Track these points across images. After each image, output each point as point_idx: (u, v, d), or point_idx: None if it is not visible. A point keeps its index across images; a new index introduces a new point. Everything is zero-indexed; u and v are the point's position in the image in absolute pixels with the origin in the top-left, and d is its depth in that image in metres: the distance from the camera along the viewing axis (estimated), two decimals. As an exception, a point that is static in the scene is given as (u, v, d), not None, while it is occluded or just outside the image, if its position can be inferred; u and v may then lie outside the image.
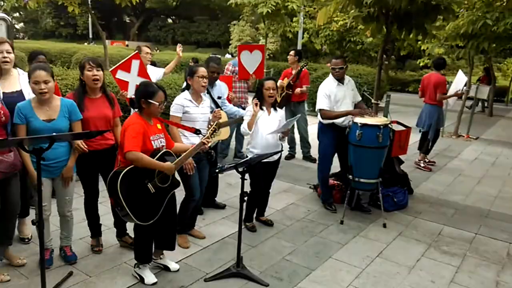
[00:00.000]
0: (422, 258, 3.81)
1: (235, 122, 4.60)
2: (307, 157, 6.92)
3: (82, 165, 3.37)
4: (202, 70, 3.67)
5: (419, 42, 12.01)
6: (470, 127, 9.79)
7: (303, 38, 17.01)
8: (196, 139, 3.66)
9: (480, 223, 4.66)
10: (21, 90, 3.36)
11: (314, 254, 3.79)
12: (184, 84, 3.95)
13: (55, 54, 19.09)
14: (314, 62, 20.61)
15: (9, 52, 3.31)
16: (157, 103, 3.02)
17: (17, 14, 42.31)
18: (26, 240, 3.65)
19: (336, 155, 4.91)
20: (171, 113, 3.73)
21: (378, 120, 4.46)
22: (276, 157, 4.15)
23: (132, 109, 4.83)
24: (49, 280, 2.93)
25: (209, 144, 3.23)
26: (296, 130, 7.02)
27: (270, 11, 12.07)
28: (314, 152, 6.71)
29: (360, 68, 13.33)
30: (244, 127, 3.99)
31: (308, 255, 3.77)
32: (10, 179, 3.06)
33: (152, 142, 3.04)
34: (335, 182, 5.14)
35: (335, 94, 4.61)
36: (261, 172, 4.05)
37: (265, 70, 11.29)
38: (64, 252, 3.41)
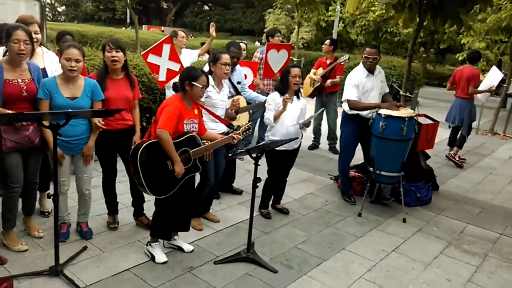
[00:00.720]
0: (440, 256, 3.68)
1: (255, 107, 4.57)
2: (332, 148, 6.81)
3: (100, 144, 3.43)
4: (226, 57, 3.66)
5: (460, 36, 11.51)
6: (508, 125, 9.33)
7: (338, 27, 16.65)
8: (213, 125, 3.68)
9: (507, 224, 4.45)
10: (44, 68, 3.46)
11: (328, 244, 3.73)
12: (206, 68, 3.94)
13: (92, 37, 19.57)
14: (349, 53, 20.23)
15: (37, 33, 3.41)
16: (200, 86, 3.10)
17: (60, -2, 43.67)
18: (46, 213, 3.79)
19: (360, 147, 4.80)
20: None
21: (403, 112, 4.30)
22: (295, 145, 4.09)
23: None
24: (64, 253, 3.04)
25: (237, 140, 3.30)
26: (323, 121, 6.89)
27: (303, -2, 11.91)
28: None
29: (395, 60, 12.95)
30: (269, 118, 3.94)
31: (321, 245, 3.72)
32: (30, 153, 3.16)
33: (185, 125, 3.12)
34: (356, 174, 5.03)
35: (363, 85, 4.48)
36: (278, 160, 4.02)
37: (295, 59, 11.20)
38: (80, 227, 3.51)
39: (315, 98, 6.74)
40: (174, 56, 4.63)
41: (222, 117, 3.73)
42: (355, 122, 4.60)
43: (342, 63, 6.49)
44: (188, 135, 3.12)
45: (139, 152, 2.90)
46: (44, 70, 3.45)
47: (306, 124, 4.05)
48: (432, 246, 3.86)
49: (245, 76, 5.16)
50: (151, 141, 2.99)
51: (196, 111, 3.27)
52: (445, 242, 3.95)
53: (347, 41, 21.19)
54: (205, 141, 3.29)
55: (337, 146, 6.58)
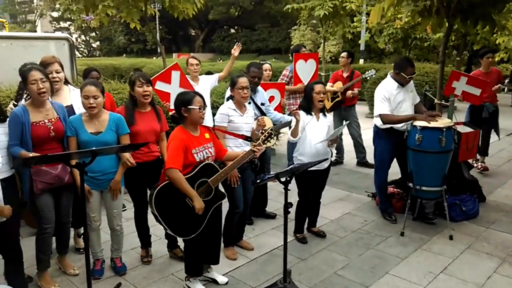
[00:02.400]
0: (494, 275, 3.39)
1: (280, 128, 4.46)
2: (363, 163, 6.58)
3: (129, 177, 3.43)
4: (242, 81, 3.60)
5: (494, 35, 11.00)
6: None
7: (365, 37, 16.40)
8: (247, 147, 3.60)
9: None
10: (71, 105, 3.51)
11: (369, 269, 3.52)
12: (228, 93, 3.91)
13: (125, 69, 20.27)
14: (378, 62, 19.85)
15: (58, 72, 3.47)
16: (197, 107, 2.99)
17: (93, 34, 45.85)
18: (81, 250, 3.79)
19: (395, 161, 4.58)
20: (216, 124, 3.69)
21: (440, 122, 4.07)
22: (326, 165, 3.95)
23: None
24: (98, 290, 3.01)
25: (260, 152, 3.14)
26: (345, 136, 6.68)
27: (327, 13, 11.80)
28: (370, 157, 6.36)
29: (427, 66, 12.55)
30: (288, 135, 3.84)
31: (362, 270, 3.51)
32: (62, 192, 3.19)
33: (195, 155, 3.00)
34: (395, 190, 4.79)
35: (394, 97, 4.29)
36: (309, 181, 3.88)
37: (322, 74, 11.05)
38: (114, 263, 3.49)
39: (332, 112, 6.57)
40: (185, 83, 4.60)
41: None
42: (389, 136, 4.40)
43: (369, 78, 6.32)
44: (201, 165, 3.00)
45: (153, 200, 2.82)
46: (71, 107, 3.50)
47: (333, 140, 3.90)
48: (483, 264, 3.56)
49: (273, 97, 5.09)
50: (162, 184, 2.89)
51: (207, 135, 3.16)
52: (498, 259, 3.64)
53: (375, 50, 20.85)
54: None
55: (368, 159, 6.43)
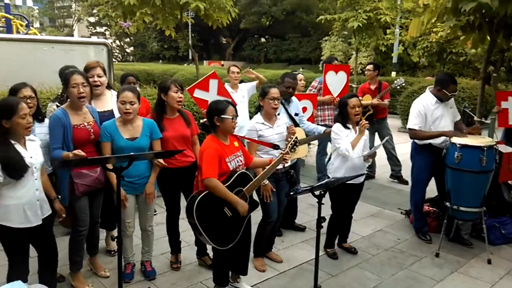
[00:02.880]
0: (538, 306, 3.21)
1: (313, 139, 4.41)
2: (397, 177, 6.42)
3: (164, 182, 3.46)
4: (274, 92, 3.55)
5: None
6: None
7: (398, 50, 16.12)
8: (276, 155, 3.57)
9: None
10: (112, 110, 3.56)
11: (403, 289, 3.40)
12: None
13: (157, 75, 20.68)
14: (411, 76, 19.48)
15: (100, 76, 3.53)
16: (230, 117, 2.99)
17: (128, 39, 47.06)
18: (112, 252, 3.83)
19: (433, 178, 4.43)
20: (246, 141, 3.66)
21: (480, 140, 3.92)
22: (361, 179, 3.86)
23: None
24: (128, 295, 3.02)
25: (289, 160, 3.10)
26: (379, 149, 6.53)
27: (361, 25, 11.71)
28: (404, 172, 6.22)
29: (463, 82, 12.23)
30: (346, 148, 3.67)
31: (395, 290, 3.40)
32: (96, 194, 3.25)
33: (229, 163, 2.99)
34: (431, 208, 4.63)
35: (432, 112, 4.17)
36: (343, 194, 3.79)
37: (354, 86, 10.93)
38: (144, 267, 3.51)
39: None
40: (223, 91, 4.62)
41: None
42: (427, 153, 4.27)
43: (398, 87, 6.19)
44: (237, 174, 2.99)
45: (194, 210, 2.80)
46: (111, 112, 3.56)
47: (371, 155, 3.81)
48: (526, 292, 3.38)
49: (305, 108, 5.04)
50: (203, 194, 2.87)
51: (236, 143, 3.16)
52: (542, 288, 3.45)
53: (409, 63, 20.48)
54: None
55: (403, 174, 6.27)
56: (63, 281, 3.31)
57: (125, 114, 3.15)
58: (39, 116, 3.14)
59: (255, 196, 3.21)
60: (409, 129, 4.21)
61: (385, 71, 22.20)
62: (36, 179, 2.69)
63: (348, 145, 3.69)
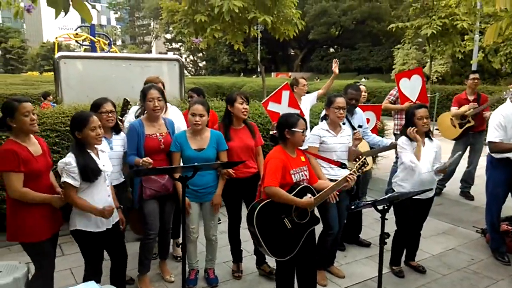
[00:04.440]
0: None
1: (379, 152, 4.27)
2: (464, 192, 6.02)
3: (227, 191, 3.57)
4: (340, 101, 3.53)
5: None
6: None
7: (478, 57, 15.11)
8: (334, 171, 3.53)
9: None
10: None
11: (476, 314, 3.16)
12: (323, 112, 3.87)
13: (227, 87, 21.36)
14: (492, 84, 18.12)
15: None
16: (300, 131, 3.01)
17: (200, 54, 49.22)
18: (178, 258, 4.01)
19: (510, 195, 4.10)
20: (308, 144, 3.66)
21: None
22: (430, 194, 3.67)
23: None
24: (190, 300, 3.13)
25: (353, 182, 3.05)
26: (461, 162, 6.13)
27: (435, 32, 11.18)
28: (477, 189, 5.79)
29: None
30: (411, 160, 3.55)
31: (467, 314, 3.16)
32: (165, 201, 3.45)
33: (292, 175, 3.01)
34: (509, 227, 4.26)
35: None
36: (410, 210, 3.63)
37: (429, 95, 10.41)
38: (207, 274, 3.62)
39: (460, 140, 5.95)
40: (293, 103, 4.64)
41: (344, 161, 3.54)
42: (504, 167, 3.95)
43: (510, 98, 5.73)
44: (301, 187, 2.98)
45: (255, 218, 2.84)
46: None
47: (442, 170, 3.61)
48: None
49: (368, 120, 4.92)
50: (264, 202, 2.90)
51: (303, 158, 3.15)
52: None
53: (489, 71, 19.06)
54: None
55: (475, 191, 5.90)
56: (132, 284, 3.52)
57: (194, 125, 3.32)
58: (116, 128, 3.41)
59: (316, 212, 3.18)
60: (489, 142, 3.92)
61: (464, 80, 20.90)
62: (107, 185, 2.92)
63: (413, 157, 3.54)
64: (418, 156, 3.56)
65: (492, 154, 4.06)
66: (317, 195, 3.00)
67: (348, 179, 3.01)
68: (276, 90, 4.66)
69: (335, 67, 5.43)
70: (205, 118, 3.34)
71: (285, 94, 4.65)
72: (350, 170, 3.08)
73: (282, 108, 4.60)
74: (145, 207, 3.35)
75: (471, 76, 5.87)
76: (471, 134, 5.82)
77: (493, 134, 3.89)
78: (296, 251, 2.94)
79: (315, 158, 3.51)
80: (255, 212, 2.86)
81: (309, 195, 2.96)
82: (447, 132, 5.93)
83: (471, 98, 5.81)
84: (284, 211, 2.92)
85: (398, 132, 5.67)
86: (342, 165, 3.27)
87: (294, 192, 2.95)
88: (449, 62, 22.56)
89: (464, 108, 5.68)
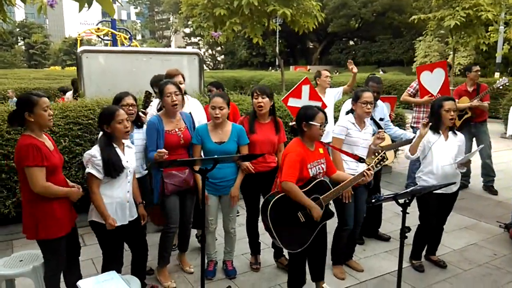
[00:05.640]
0: None
1: (400, 145, 4.21)
2: (487, 187, 5.89)
3: (246, 185, 3.58)
4: (367, 96, 3.49)
5: None
6: None
7: (503, 49, 14.71)
8: (354, 165, 3.50)
9: None
10: (190, 112, 3.78)
11: (498, 310, 3.11)
12: (344, 107, 3.84)
13: (245, 81, 21.35)
14: (518, 77, 17.63)
15: (181, 83, 3.80)
16: (318, 124, 2.99)
17: (219, 48, 49.34)
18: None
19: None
20: (334, 135, 3.64)
21: None
22: (454, 188, 3.61)
23: None
24: (209, 291, 3.17)
25: (370, 177, 3.03)
26: (475, 156, 6.00)
27: (458, 23, 10.93)
28: (498, 183, 5.67)
29: None
30: (406, 153, 3.59)
31: (489, 310, 3.12)
32: (186, 194, 3.48)
33: (309, 170, 3.01)
34: (535, 223, 4.17)
35: None
36: (433, 205, 3.58)
37: (451, 88, 10.20)
38: (226, 265, 3.66)
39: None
40: (314, 95, 4.60)
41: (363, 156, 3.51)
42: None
43: (501, 87, 5.65)
44: (316, 181, 2.98)
45: (269, 209, 2.85)
46: (189, 114, 3.78)
47: (464, 163, 3.55)
48: None
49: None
50: (279, 195, 2.91)
51: (321, 150, 3.13)
52: None
53: (515, 63, 18.57)
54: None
55: (495, 185, 5.80)
56: (152, 274, 3.59)
57: (214, 118, 3.34)
58: (138, 122, 3.46)
59: (331, 207, 3.17)
60: (511, 135, 3.83)
61: (488, 72, 20.37)
62: (129, 181, 2.97)
63: (408, 148, 3.54)
64: (414, 148, 3.51)
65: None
66: (329, 192, 2.99)
67: (365, 174, 3.00)
68: (296, 85, 4.62)
69: (352, 68, 5.36)
70: (225, 111, 3.35)
71: (305, 89, 4.60)
72: (368, 165, 3.06)
73: (303, 102, 4.54)
74: (166, 202, 3.38)
75: (474, 68, 5.92)
76: (472, 125, 5.82)
77: None
78: (308, 243, 2.95)
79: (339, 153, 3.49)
80: (270, 204, 2.88)
81: (318, 208, 2.93)
82: None
83: (470, 89, 5.87)
84: (299, 205, 2.93)
85: (415, 125, 5.65)
86: (360, 159, 3.25)
87: (310, 186, 2.95)
88: (472, 54, 22.06)
89: (465, 104, 5.70)
